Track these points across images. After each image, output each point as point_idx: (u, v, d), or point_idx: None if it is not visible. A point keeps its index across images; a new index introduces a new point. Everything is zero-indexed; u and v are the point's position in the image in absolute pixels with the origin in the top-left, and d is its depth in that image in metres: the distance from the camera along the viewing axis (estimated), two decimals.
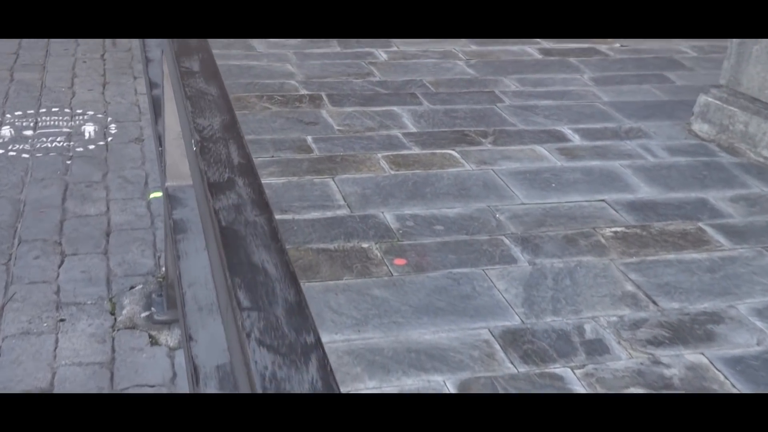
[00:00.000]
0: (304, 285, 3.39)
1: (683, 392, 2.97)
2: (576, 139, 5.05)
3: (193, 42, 2.53)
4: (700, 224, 4.14)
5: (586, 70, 6.36)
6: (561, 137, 5.07)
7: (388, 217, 3.98)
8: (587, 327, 3.29)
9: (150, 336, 3.16)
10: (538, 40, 7.01)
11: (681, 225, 4.12)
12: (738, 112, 5.02)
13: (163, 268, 3.50)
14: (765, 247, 3.96)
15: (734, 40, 5.06)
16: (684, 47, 7.13)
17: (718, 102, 5.15)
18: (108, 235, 3.81)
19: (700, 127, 5.25)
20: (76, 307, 3.30)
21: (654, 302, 3.47)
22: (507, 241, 3.85)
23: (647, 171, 4.69)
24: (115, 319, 3.26)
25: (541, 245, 3.84)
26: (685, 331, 3.30)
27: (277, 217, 3.94)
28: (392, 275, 3.53)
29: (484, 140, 4.94)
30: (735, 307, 3.48)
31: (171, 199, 3.02)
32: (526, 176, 4.52)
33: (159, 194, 3.92)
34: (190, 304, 2.41)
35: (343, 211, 4.00)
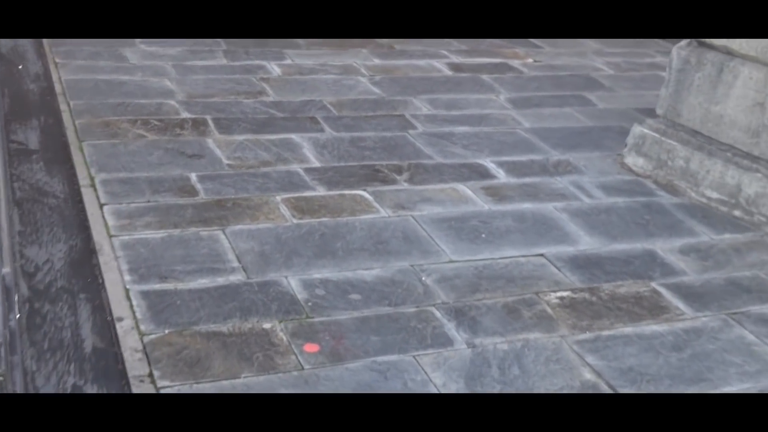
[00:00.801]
0: (192, 387, 2.64)
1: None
2: (501, 176, 4.44)
3: (33, 98, 1.77)
4: (654, 284, 3.58)
5: (502, 90, 5.77)
6: (484, 173, 4.45)
7: (293, 283, 3.26)
8: None
9: None
10: (447, 53, 6.39)
11: (633, 286, 3.55)
12: (678, 147, 4.51)
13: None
14: (729, 314, 3.43)
15: (673, 67, 4.55)
16: (599, 63, 6.66)
17: (655, 134, 4.63)
18: None
19: (634, 160, 4.72)
20: None
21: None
22: (438, 314, 3.19)
23: (585, 215, 4.11)
24: None
25: (479, 319, 3.20)
26: None
27: (156, 286, 3.16)
28: (303, 368, 2.81)
29: (398, 177, 4.27)
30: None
31: (9, 295, 2.23)
32: (452, 224, 3.87)
33: None
34: None
35: (238, 277, 3.26)
